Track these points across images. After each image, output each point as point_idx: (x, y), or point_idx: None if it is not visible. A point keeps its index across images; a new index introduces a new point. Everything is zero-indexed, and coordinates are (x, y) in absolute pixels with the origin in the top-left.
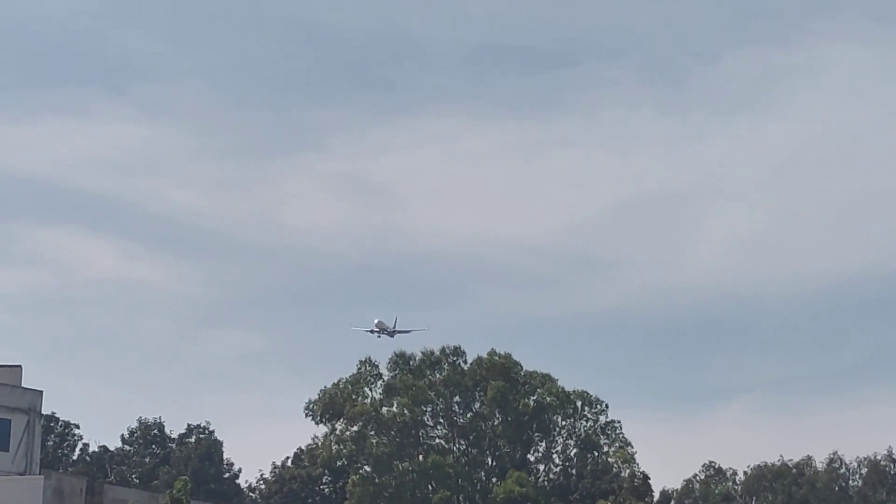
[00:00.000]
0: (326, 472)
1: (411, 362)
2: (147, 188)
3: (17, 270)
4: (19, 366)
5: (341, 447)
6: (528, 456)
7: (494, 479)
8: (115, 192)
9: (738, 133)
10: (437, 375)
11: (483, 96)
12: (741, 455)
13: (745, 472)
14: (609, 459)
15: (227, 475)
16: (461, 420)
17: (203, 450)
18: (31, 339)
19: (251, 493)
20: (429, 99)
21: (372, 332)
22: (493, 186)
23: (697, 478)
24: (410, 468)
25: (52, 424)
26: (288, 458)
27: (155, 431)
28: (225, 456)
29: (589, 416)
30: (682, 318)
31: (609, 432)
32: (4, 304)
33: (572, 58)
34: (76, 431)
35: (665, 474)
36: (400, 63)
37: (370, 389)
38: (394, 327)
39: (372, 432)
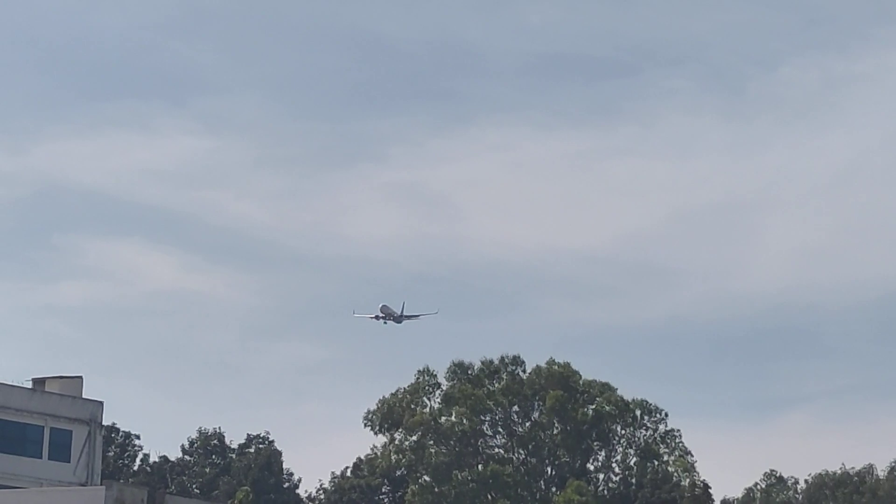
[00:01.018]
0: (385, 481)
1: (470, 371)
2: (207, 200)
3: (79, 282)
4: (80, 377)
5: (400, 457)
6: (588, 465)
7: (554, 489)
8: (175, 204)
9: (798, 141)
10: (496, 385)
11: (542, 106)
12: (802, 463)
13: (806, 481)
14: (669, 468)
15: (286, 485)
16: (520, 429)
17: (263, 460)
18: (92, 351)
19: (310, 503)
20: (488, 109)
21: (377, 317)
22: (551, 196)
23: (758, 486)
24: (469, 478)
25: (112, 435)
26: (347, 468)
27: (215, 442)
28: (284, 466)
29: (648, 424)
30: (742, 327)
31: (669, 441)
32: (66, 316)
33: (632, 67)
34: (137, 442)
35: (725, 483)
36: (459, 73)
37: (429, 399)
38: (401, 312)
39: (431, 442)
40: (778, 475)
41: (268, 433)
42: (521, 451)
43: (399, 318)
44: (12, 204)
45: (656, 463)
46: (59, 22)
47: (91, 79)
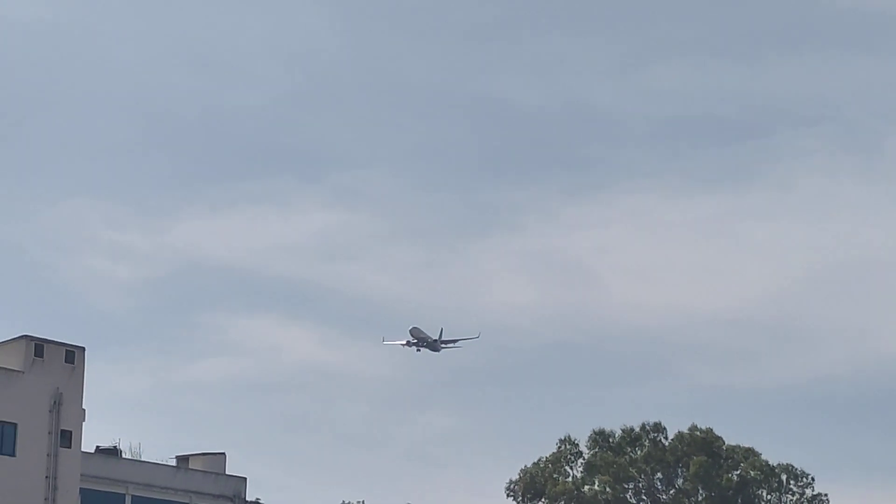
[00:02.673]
0: None
1: (611, 439)
2: (343, 274)
3: (221, 359)
4: (223, 453)
5: None
6: None
7: None
8: (312, 279)
9: None
10: (638, 452)
11: (676, 169)
12: None
13: None
14: None
15: None
16: (664, 496)
17: None
18: (234, 427)
19: None
20: (621, 174)
21: (409, 344)
22: (688, 260)
23: None
24: None
25: None
26: None
27: None
28: None
29: (795, 489)
30: (889, 388)
31: None
32: (208, 392)
33: (765, 127)
34: None
35: None
36: (591, 139)
37: (571, 468)
38: (439, 337)
39: None
40: None
41: None
42: None
43: (435, 345)
44: (153, 283)
45: None
46: (195, 101)
47: (226, 157)
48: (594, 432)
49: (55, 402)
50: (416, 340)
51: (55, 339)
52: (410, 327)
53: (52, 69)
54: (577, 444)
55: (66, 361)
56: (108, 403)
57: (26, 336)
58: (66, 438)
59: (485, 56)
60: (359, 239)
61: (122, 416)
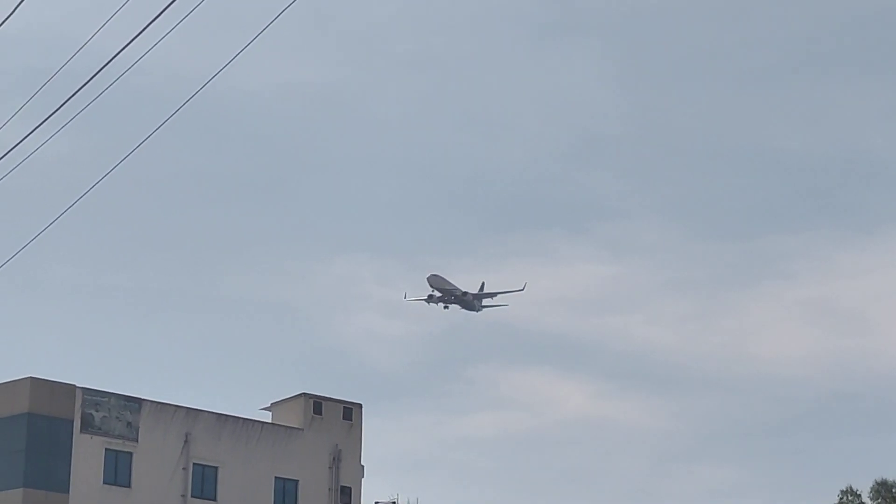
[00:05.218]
0: None
1: (894, 489)
2: (614, 326)
3: (494, 413)
4: None
5: None
6: None
7: None
8: (582, 332)
9: None
10: None
11: None
12: None
13: None
14: None
15: None
16: None
17: None
18: (508, 481)
19: None
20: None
21: (432, 300)
22: None
23: None
24: None
25: None
26: None
27: None
28: None
29: None
30: None
31: None
32: (481, 447)
33: None
34: None
35: None
36: (863, 184)
37: None
38: (480, 289)
39: None
40: None
41: None
42: None
43: (467, 300)
44: (426, 339)
45: None
46: (462, 157)
47: (494, 212)
48: (876, 483)
49: (334, 459)
50: (440, 294)
51: (333, 397)
52: (429, 275)
53: (321, 130)
54: (860, 496)
55: (344, 418)
56: (385, 459)
57: (305, 394)
58: (346, 495)
59: (755, 104)
60: (629, 291)
61: (399, 471)
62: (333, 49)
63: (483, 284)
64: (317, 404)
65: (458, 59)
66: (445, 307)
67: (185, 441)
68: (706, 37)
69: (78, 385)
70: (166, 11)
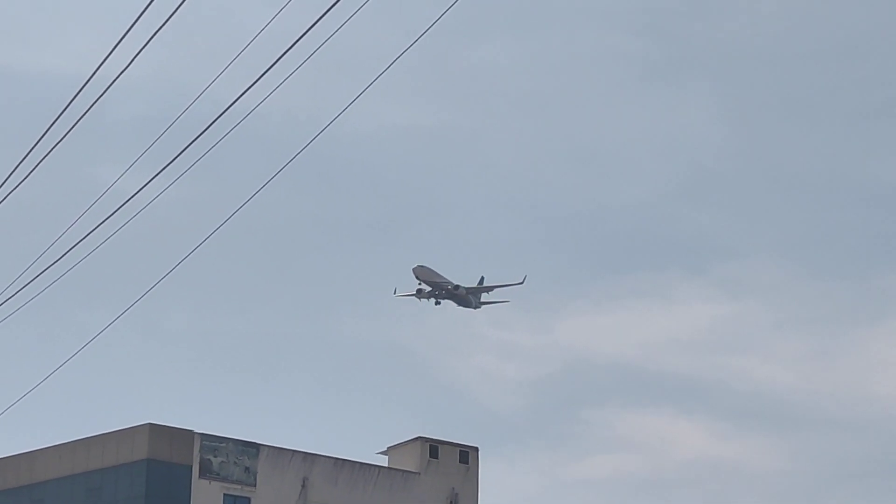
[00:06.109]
0: None
1: None
2: (732, 366)
3: (610, 455)
4: None
5: None
6: None
7: None
8: (699, 373)
9: None
10: None
11: None
12: None
13: None
14: None
15: None
16: None
17: None
18: None
19: None
20: None
21: (421, 294)
22: None
23: None
24: None
25: None
26: None
27: None
28: None
29: None
30: None
31: None
32: (598, 489)
33: None
34: None
35: None
36: None
37: None
38: (479, 283)
39: None
40: None
41: None
42: None
43: (460, 295)
44: (541, 381)
45: None
46: (576, 197)
47: (609, 252)
48: None
49: (451, 503)
50: (429, 288)
51: (449, 440)
52: (414, 265)
53: (434, 171)
54: None
55: (460, 462)
56: (501, 502)
57: (421, 438)
58: None
59: (870, 140)
60: (747, 330)
61: None
62: (446, 91)
63: (482, 279)
64: (433, 448)
65: (569, 99)
66: (437, 303)
67: (303, 485)
68: (818, 73)
69: (196, 431)
70: (277, 56)
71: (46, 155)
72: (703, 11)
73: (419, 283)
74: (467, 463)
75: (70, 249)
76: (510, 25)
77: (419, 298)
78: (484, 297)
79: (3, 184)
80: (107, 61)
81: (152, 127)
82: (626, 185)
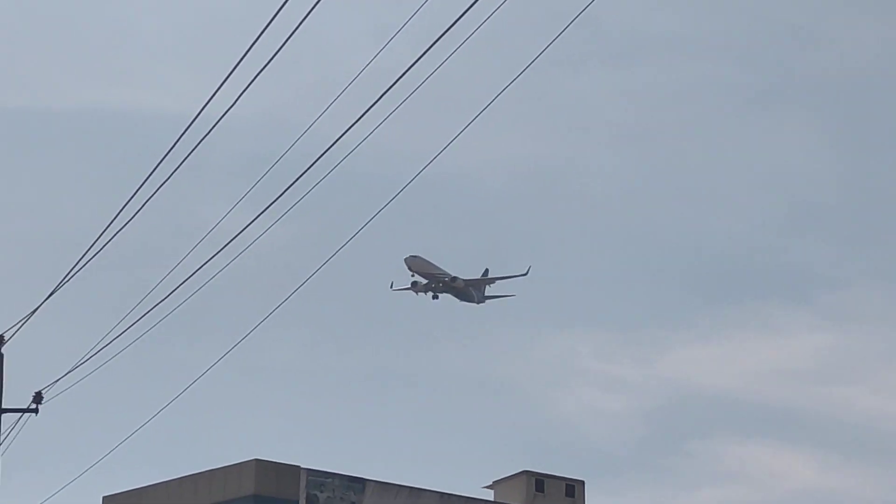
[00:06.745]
0: None
1: None
2: (838, 397)
3: (716, 488)
4: None
5: None
6: None
7: None
8: (806, 403)
9: None
10: None
11: None
12: None
13: None
14: None
15: None
16: None
17: None
18: None
19: None
20: None
21: (418, 288)
22: None
23: None
24: None
25: None
26: None
27: None
28: None
29: None
30: None
31: None
32: None
33: None
34: None
35: None
36: None
37: None
38: (484, 275)
39: None
40: None
41: None
42: None
43: (459, 287)
44: (646, 414)
45: None
46: (680, 229)
47: (713, 284)
48: None
49: None
50: (424, 280)
51: (555, 474)
52: (406, 256)
53: (537, 204)
54: None
55: (566, 495)
56: None
57: (527, 472)
58: None
59: None
60: (853, 360)
61: None
62: (548, 124)
63: (486, 271)
64: (539, 482)
65: (670, 130)
66: (435, 297)
67: None
68: None
69: (302, 466)
70: (380, 93)
71: (153, 194)
72: (804, 39)
73: (412, 276)
74: (573, 496)
75: (176, 288)
76: (609, 56)
77: (416, 292)
78: (488, 291)
79: (110, 223)
80: (211, 100)
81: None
82: (729, 215)
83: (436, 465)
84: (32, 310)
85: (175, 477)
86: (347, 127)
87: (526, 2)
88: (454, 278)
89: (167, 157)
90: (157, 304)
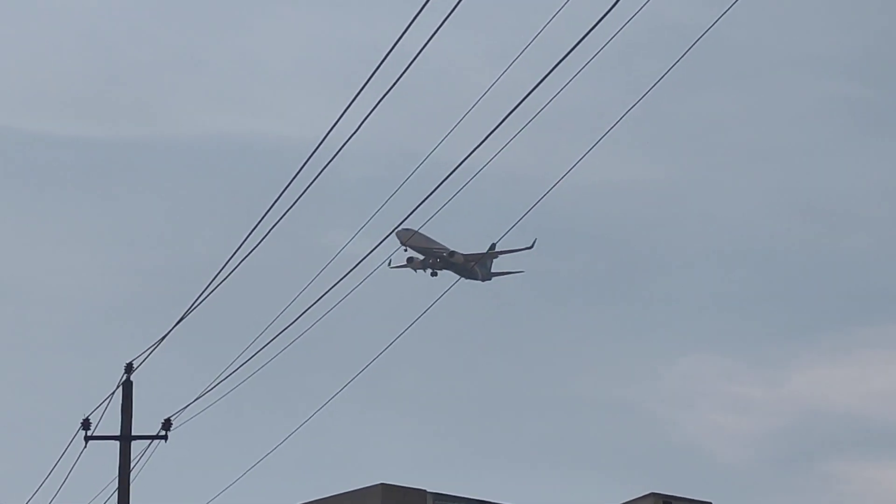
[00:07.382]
0: None
1: None
2: None
3: None
4: None
5: None
6: None
7: None
8: None
9: None
10: None
11: None
12: None
13: None
14: None
15: None
16: None
17: None
18: None
19: None
20: None
21: (415, 264)
22: None
23: None
24: None
25: None
26: None
27: None
28: None
29: None
30: None
31: None
32: None
33: None
34: None
35: None
36: None
37: None
38: (490, 250)
39: None
40: None
41: None
42: None
43: (457, 261)
44: (774, 435)
45: None
46: (805, 247)
47: (839, 303)
48: None
49: None
50: (421, 256)
51: (683, 496)
52: (399, 229)
53: (662, 225)
54: None
55: None
56: None
57: (654, 493)
58: None
59: None
60: None
61: None
62: (668, 143)
63: (493, 245)
64: (666, 503)
65: (794, 149)
66: (433, 273)
67: None
68: None
69: (429, 490)
70: (502, 116)
71: (278, 221)
72: None
73: (405, 249)
74: None
75: (302, 314)
76: (732, 75)
77: (414, 269)
78: (494, 267)
79: (237, 250)
80: (334, 127)
81: (379, 190)
82: (854, 234)
83: (563, 487)
84: (160, 337)
85: (303, 502)
86: (471, 150)
87: (648, 22)
88: (452, 252)
89: (292, 184)
90: (284, 330)
